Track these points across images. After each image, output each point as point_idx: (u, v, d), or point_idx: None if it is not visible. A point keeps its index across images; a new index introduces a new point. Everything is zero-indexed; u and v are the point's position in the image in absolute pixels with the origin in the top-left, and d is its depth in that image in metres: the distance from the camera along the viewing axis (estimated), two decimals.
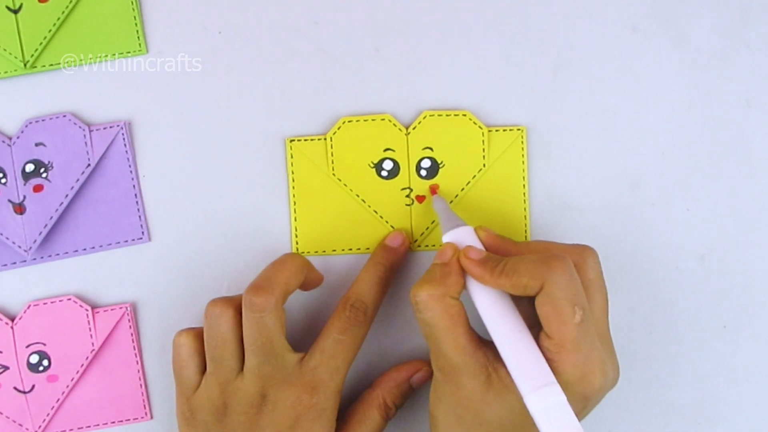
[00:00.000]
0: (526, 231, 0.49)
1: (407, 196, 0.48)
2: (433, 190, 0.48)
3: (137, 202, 0.48)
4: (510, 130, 0.48)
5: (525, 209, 0.49)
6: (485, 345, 0.41)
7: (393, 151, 0.48)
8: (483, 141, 0.48)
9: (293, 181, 0.48)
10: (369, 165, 0.48)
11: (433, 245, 0.48)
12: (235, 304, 0.44)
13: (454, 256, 0.42)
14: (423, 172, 0.48)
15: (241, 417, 0.43)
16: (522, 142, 0.48)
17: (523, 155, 0.48)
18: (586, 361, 0.39)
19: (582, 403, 0.40)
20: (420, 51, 0.48)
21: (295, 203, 0.48)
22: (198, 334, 0.45)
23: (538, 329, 0.40)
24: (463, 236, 0.43)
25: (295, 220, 0.48)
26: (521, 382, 0.39)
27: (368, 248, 0.48)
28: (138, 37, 0.48)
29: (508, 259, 0.41)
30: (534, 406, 0.38)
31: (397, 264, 0.47)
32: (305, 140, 0.48)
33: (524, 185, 0.48)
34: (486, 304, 0.41)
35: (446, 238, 0.44)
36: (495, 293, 0.41)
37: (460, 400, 0.41)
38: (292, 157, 0.48)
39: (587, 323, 0.39)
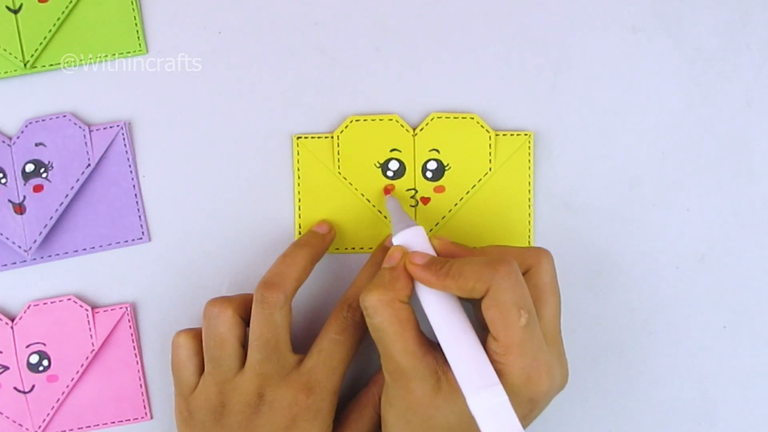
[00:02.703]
0: (529, 235, 0.49)
1: (412, 197, 0.48)
2: (387, 190, 0.47)
3: (137, 202, 0.48)
4: (518, 135, 0.48)
5: (530, 215, 0.48)
6: (435, 349, 0.41)
7: (399, 151, 0.48)
8: (490, 145, 0.48)
9: (299, 178, 0.48)
10: (375, 165, 0.48)
11: None
12: (234, 304, 0.44)
13: (402, 260, 0.42)
14: (429, 174, 0.48)
15: (239, 417, 0.43)
16: (529, 148, 0.48)
17: (529, 161, 0.48)
18: (533, 364, 0.39)
19: (529, 406, 0.40)
20: (422, 52, 0.48)
21: (299, 200, 0.48)
22: (197, 335, 0.45)
23: (487, 332, 0.40)
24: (413, 237, 0.43)
25: (299, 217, 0.48)
26: (464, 383, 0.38)
27: (371, 248, 0.48)
28: (138, 37, 0.48)
29: (453, 261, 0.40)
30: (476, 406, 0.38)
31: None
32: (312, 138, 0.48)
33: (529, 191, 0.48)
34: (433, 307, 0.41)
35: (396, 240, 0.43)
36: (443, 297, 0.41)
37: (410, 404, 0.41)
38: (298, 154, 0.48)
39: (533, 326, 0.39)
